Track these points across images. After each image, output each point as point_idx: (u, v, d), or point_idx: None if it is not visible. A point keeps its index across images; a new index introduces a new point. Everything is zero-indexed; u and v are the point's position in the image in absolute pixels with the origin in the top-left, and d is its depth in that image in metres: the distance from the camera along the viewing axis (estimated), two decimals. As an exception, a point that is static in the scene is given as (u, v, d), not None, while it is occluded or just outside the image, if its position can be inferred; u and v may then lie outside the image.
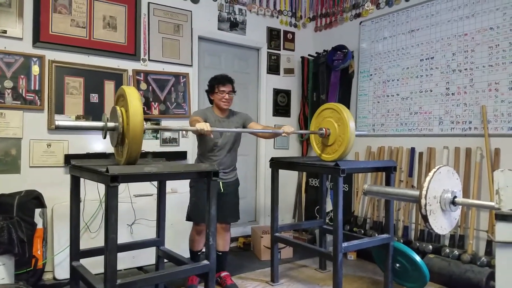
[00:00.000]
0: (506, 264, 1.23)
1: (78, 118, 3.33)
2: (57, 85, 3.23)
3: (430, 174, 1.37)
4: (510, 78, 2.95)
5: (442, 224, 1.40)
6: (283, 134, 2.77)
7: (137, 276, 2.01)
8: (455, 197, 1.39)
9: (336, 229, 2.57)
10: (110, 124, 2.04)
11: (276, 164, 3.09)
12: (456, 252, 3.05)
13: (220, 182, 2.86)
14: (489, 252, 2.95)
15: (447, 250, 3.10)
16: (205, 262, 2.19)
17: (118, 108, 2.05)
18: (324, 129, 2.87)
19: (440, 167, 1.41)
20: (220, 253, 2.92)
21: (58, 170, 3.23)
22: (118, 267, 2.02)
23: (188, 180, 3.27)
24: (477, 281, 2.79)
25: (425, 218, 1.36)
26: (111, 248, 1.88)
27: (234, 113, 3.03)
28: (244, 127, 3.02)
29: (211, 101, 3.02)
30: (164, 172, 2.11)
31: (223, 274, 2.96)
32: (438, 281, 2.99)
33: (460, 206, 1.42)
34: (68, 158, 3.20)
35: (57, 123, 1.95)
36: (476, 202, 1.67)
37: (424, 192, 1.35)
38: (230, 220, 2.99)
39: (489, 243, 2.97)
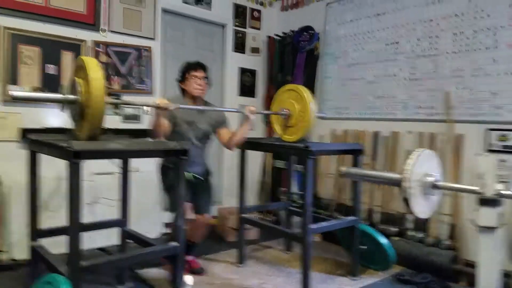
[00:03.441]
0: (489, 249, 1.24)
1: (35, 90, 3.09)
2: (10, 54, 2.98)
3: (413, 157, 1.37)
4: (473, 66, 3.04)
5: (422, 207, 1.42)
6: (246, 113, 2.69)
7: (103, 258, 1.91)
8: (436, 180, 1.41)
9: (305, 211, 2.56)
10: (69, 97, 1.89)
11: (244, 144, 3.02)
12: (419, 235, 3.12)
13: (192, 175, 2.72)
14: (452, 236, 3.01)
15: (411, 233, 3.17)
16: (174, 243, 2.11)
17: (77, 79, 1.91)
18: (285, 110, 2.84)
19: (422, 150, 1.41)
20: (193, 243, 2.81)
21: (10, 145, 2.96)
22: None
23: (152, 159, 3.12)
24: (440, 263, 2.86)
25: (406, 202, 1.36)
26: (74, 229, 1.76)
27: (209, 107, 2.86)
28: (213, 130, 2.85)
29: (183, 92, 2.81)
30: (130, 150, 2.00)
31: (190, 258, 2.87)
32: (401, 263, 3.03)
33: (441, 190, 1.44)
34: (22, 132, 2.95)
35: (11, 93, 1.82)
36: (458, 186, 1.63)
37: (407, 176, 1.35)
38: (204, 210, 2.80)
39: (453, 227, 3.02)
